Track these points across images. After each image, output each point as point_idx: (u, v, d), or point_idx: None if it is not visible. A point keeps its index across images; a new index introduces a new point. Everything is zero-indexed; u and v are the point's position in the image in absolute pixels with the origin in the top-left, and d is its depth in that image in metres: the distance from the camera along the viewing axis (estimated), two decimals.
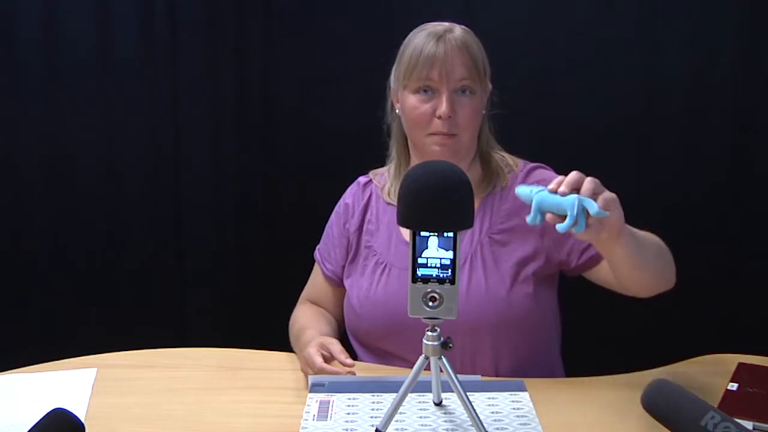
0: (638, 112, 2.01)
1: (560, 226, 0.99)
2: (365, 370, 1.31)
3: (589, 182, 1.03)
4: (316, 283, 1.54)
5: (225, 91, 2.10)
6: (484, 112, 1.39)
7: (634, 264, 1.18)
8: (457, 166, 0.93)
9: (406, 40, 1.36)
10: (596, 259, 1.30)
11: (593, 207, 1.00)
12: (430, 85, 1.31)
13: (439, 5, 1.96)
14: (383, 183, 1.46)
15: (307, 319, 1.46)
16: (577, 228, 1.00)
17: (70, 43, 2.05)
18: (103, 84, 2.07)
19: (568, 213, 0.99)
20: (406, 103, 1.34)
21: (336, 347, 1.26)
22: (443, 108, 1.29)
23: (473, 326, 1.28)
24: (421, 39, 1.33)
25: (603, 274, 1.30)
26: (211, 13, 2.05)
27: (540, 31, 2.00)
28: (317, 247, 1.54)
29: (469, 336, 1.29)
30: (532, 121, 1.94)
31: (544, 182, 1.40)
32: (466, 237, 1.34)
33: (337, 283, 1.48)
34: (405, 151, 1.43)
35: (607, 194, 1.04)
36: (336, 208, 1.53)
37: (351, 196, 1.50)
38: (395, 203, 1.35)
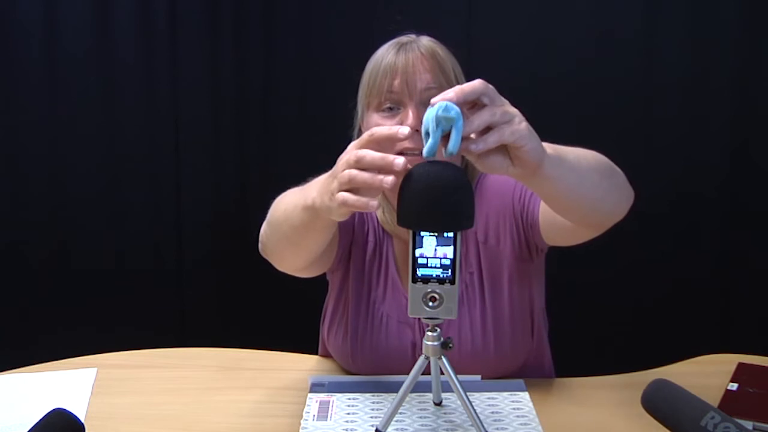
0: (638, 112, 2.02)
1: (424, 151, 0.84)
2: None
3: (472, 87, 0.85)
4: None
5: (225, 91, 2.10)
6: None
7: (568, 194, 0.99)
8: (457, 166, 0.92)
9: (371, 57, 1.23)
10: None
11: (447, 109, 0.82)
12: (393, 98, 1.15)
13: (442, 6, 1.97)
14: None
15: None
16: (450, 148, 0.83)
17: (70, 43, 2.05)
18: (103, 84, 2.07)
19: (431, 129, 0.83)
20: (370, 123, 1.18)
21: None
22: (409, 120, 1.12)
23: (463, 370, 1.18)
24: (382, 51, 1.20)
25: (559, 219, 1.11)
26: (211, 14, 2.06)
27: (540, 32, 2.00)
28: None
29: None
30: (531, 121, 1.94)
31: (489, 188, 1.26)
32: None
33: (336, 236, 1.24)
34: None
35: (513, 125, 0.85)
36: None
37: None
38: (389, 228, 1.28)
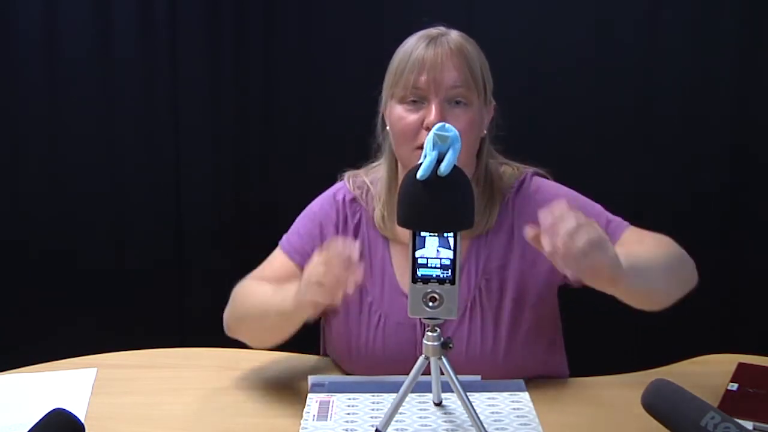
0: (638, 112, 2.01)
1: (419, 173, 0.87)
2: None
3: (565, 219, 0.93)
4: (279, 268, 1.32)
5: (225, 91, 2.10)
6: (485, 132, 1.24)
7: (641, 296, 1.06)
8: (458, 166, 0.92)
9: (400, 46, 1.23)
10: None
11: (443, 129, 0.84)
12: (419, 93, 1.16)
13: (443, 6, 1.96)
14: (371, 204, 1.30)
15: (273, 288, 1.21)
16: (442, 169, 0.86)
17: (70, 43, 2.05)
18: (103, 84, 2.07)
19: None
20: (393, 114, 1.19)
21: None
22: (432, 116, 1.13)
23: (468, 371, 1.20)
24: (412, 42, 1.20)
25: None
26: (211, 13, 2.06)
27: (540, 33, 2.00)
28: (285, 238, 1.36)
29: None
30: (532, 122, 1.93)
31: (543, 203, 1.31)
32: (462, 282, 1.22)
33: None
34: (397, 173, 1.27)
35: (586, 233, 0.93)
36: (310, 214, 1.35)
37: (325, 215, 1.32)
38: (387, 234, 1.27)
